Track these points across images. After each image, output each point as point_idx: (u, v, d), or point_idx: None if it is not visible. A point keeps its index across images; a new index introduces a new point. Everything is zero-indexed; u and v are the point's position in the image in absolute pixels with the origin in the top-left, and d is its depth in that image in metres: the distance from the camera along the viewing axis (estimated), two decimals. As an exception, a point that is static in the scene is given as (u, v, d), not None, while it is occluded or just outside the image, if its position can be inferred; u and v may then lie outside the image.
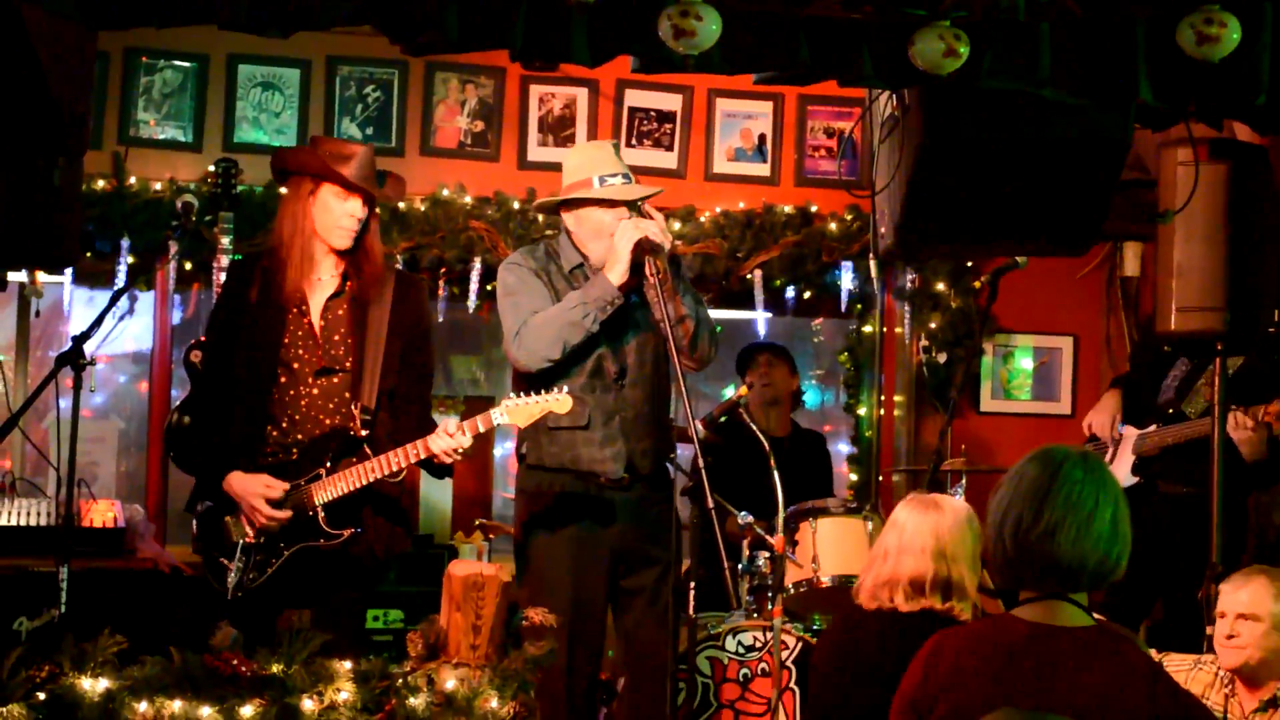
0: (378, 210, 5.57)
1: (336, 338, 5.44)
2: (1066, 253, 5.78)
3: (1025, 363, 8.69)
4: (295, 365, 5.41)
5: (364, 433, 5.35)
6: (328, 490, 5.31)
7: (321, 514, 5.30)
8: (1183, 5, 4.91)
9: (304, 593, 5.33)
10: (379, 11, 4.77)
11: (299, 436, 5.38)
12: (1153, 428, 6.81)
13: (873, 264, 7.92)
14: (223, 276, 6.87)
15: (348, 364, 5.42)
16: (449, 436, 5.23)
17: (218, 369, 5.52)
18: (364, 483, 5.28)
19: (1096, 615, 4.04)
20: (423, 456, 5.28)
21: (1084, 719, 3.18)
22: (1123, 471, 6.77)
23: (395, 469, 5.28)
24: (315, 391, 5.41)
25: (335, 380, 5.42)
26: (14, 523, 6.59)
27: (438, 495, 7.57)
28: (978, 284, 8.31)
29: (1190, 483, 6.55)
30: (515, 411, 5.26)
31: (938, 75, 4.94)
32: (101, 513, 6.72)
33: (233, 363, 5.45)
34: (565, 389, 5.27)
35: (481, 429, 5.28)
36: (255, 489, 5.29)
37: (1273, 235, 5.79)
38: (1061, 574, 3.30)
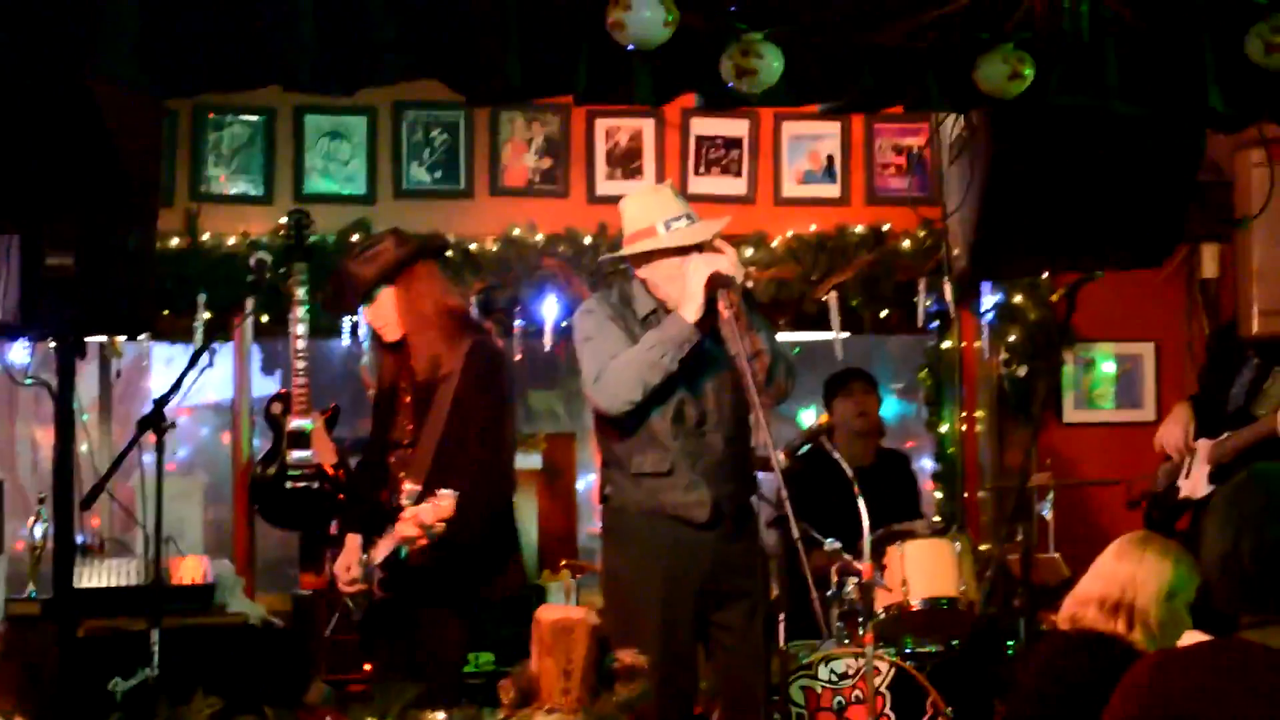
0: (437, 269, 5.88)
1: (409, 415, 5.82)
2: (1144, 265, 5.74)
3: (1107, 367, 8.59)
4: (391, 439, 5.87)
5: (406, 504, 5.57)
6: (378, 553, 5.68)
7: (379, 573, 5.65)
8: (1248, 14, 4.87)
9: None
10: (440, 65, 4.80)
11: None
12: (1226, 435, 6.71)
13: (948, 287, 7.84)
14: (299, 328, 7.05)
15: (409, 440, 5.79)
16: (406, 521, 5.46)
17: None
18: (387, 551, 5.61)
19: None
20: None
21: None
22: (1200, 483, 6.66)
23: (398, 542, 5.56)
24: (393, 461, 5.84)
25: (406, 454, 5.79)
26: (105, 583, 6.60)
27: (524, 535, 7.56)
28: (1055, 297, 8.22)
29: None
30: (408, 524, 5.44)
31: (1003, 98, 4.92)
32: (190, 569, 6.75)
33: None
34: (448, 491, 5.36)
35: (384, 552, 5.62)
36: (344, 561, 5.79)
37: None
38: None
